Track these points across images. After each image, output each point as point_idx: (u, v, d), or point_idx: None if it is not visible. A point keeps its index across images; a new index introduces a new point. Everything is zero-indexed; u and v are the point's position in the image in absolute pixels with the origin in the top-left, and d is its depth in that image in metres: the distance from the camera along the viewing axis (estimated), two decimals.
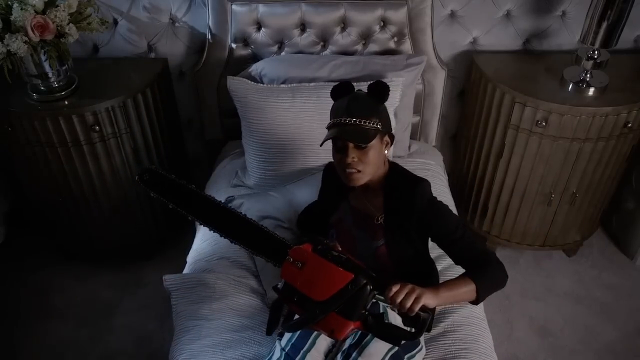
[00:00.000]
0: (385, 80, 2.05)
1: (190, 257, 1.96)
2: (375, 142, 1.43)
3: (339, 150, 1.45)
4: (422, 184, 1.50)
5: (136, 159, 2.29)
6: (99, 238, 2.46)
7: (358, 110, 1.43)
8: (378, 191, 1.53)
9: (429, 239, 1.55)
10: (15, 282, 2.55)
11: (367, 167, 1.45)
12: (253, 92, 2.07)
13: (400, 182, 1.51)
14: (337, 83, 1.53)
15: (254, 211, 1.94)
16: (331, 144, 1.49)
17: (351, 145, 1.42)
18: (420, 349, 1.54)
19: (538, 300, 2.45)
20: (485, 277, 1.43)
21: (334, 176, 1.56)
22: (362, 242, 1.55)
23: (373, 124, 1.43)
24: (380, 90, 1.47)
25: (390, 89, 1.48)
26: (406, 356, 1.49)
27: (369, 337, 1.45)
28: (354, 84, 2.01)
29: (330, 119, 1.48)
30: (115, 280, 2.53)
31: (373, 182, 1.52)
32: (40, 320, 2.37)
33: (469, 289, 1.39)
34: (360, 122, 1.42)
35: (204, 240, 1.98)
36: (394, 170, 1.55)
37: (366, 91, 1.49)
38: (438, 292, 1.35)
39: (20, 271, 2.59)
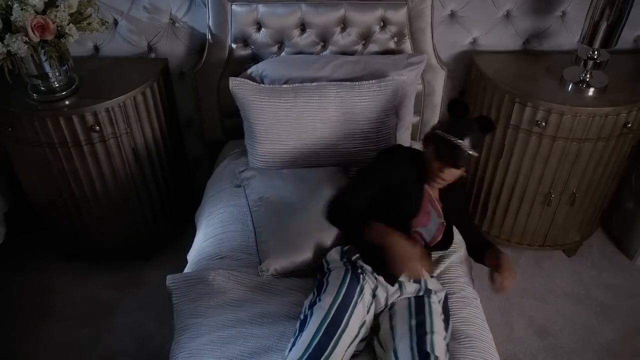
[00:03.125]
0: (386, 79, 2.07)
1: (192, 256, 1.96)
2: None
3: (447, 167, 1.64)
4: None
5: (136, 159, 2.29)
6: (99, 238, 2.46)
7: (475, 144, 1.63)
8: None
9: None
10: (15, 282, 2.55)
11: (451, 181, 1.70)
12: (255, 92, 2.07)
13: None
14: (454, 99, 1.69)
15: (257, 189, 2.01)
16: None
17: (456, 169, 1.64)
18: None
19: (538, 300, 2.45)
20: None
21: (413, 164, 1.74)
22: (433, 217, 1.75)
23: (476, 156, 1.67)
24: (490, 125, 1.69)
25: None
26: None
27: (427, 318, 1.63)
28: (355, 83, 2.04)
29: (451, 133, 1.61)
30: (115, 280, 2.53)
31: None
32: (40, 320, 2.37)
33: None
34: (474, 152, 1.62)
35: (206, 239, 1.98)
36: None
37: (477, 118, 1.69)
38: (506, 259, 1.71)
39: (20, 271, 2.59)
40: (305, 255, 1.80)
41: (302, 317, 1.60)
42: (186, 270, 1.91)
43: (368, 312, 1.61)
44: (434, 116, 2.43)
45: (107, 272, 2.56)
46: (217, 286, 1.73)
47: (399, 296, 1.67)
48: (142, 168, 2.33)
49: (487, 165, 2.38)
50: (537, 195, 2.34)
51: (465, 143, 1.59)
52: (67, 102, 2.10)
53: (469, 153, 1.61)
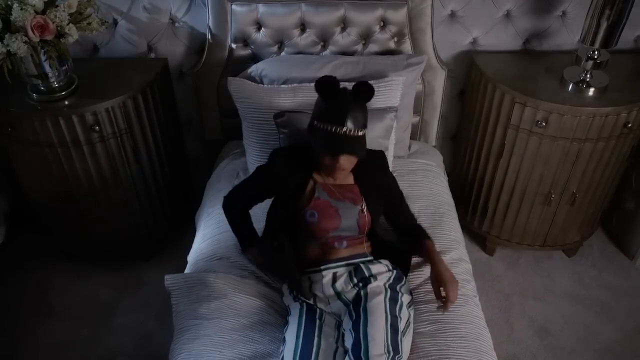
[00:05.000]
0: (386, 79, 2.07)
1: (191, 257, 1.96)
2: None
3: (337, 156, 1.57)
4: (382, 152, 1.81)
5: (136, 159, 2.29)
6: (99, 238, 2.46)
7: (356, 121, 1.54)
8: (346, 174, 1.69)
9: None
10: (15, 282, 2.55)
11: (352, 165, 1.64)
12: (254, 92, 2.07)
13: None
14: (322, 78, 1.59)
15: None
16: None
17: (345, 158, 1.57)
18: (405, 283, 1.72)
19: (538, 300, 2.45)
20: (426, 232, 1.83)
21: (293, 161, 1.70)
22: (345, 210, 1.66)
23: (364, 132, 1.59)
24: (367, 92, 1.57)
25: (374, 90, 1.58)
26: (398, 286, 1.64)
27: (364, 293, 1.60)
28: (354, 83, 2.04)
29: (324, 121, 1.55)
30: (115, 280, 2.53)
31: (343, 174, 1.68)
32: (40, 320, 2.37)
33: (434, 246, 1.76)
34: (357, 132, 1.55)
35: (204, 239, 1.98)
36: None
37: (351, 89, 1.58)
38: (445, 265, 1.67)
39: (20, 271, 2.59)
40: None
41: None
42: (186, 271, 1.91)
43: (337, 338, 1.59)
44: (434, 116, 2.43)
45: (107, 272, 2.56)
46: (218, 289, 1.73)
47: (345, 309, 1.64)
48: (142, 168, 2.33)
49: (487, 165, 2.38)
50: (537, 195, 2.33)
51: (347, 127, 1.52)
52: (67, 102, 2.10)
53: (354, 136, 1.54)
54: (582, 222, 2.47)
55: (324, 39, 2.26)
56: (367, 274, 1.64)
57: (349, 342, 1.51)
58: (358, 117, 1.55)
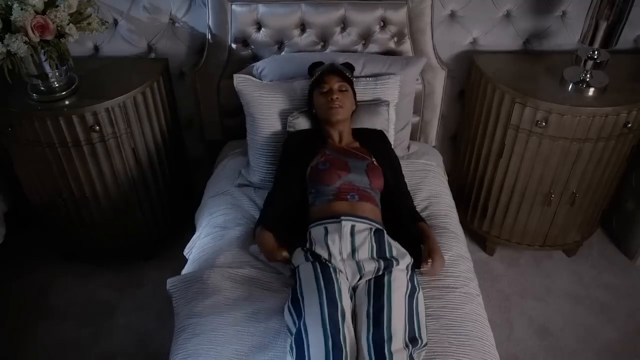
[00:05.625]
0: (384, 76, 2.10)
1: (192, 255, 1.95)
2: (350, 89, 1.95)
3: (325, 93, 1.91)
4: (381, 130, 2.06)
5: (136, 159, 2.29)
6: (99, 238, 2.46)
7: (340, 67, 1.99)
8: (350, 137, 1.98)
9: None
10: (15, 282, 2.55)
11: (346, 105, 1.91)
12: (259, 89, 2.08)
13: (366, 130, 2.03)
14: (312, 63, 2.04)
15: None
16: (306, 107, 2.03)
17: (335, 88, 1.90)
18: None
19: (538, 300, 2.45)
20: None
21: (304, 137, 1.99)
22: (354, 163, 1.85)
23: (351, 76, 2.00)
24: (349, 66, 2.06)
25: (354, 67, 2.08)
26: (415, 279, 1.68)
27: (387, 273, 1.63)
28: (353, 79, 2.07)
29: (316, 73, 1.97)
30: (115, 280, 2.53)
31: (345, 131, 1.96)
32: (40, 320, 2.37)
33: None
34: (342, 71, 1.96)
35: (206, 235, 1.97)
36: (356, 129, 2.04)
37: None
38: (438, 244, 1.82)
39: (20, 271, 2.59)
40: None
41: (293, 331, 1.53)
42: (186, 268, 1.90)
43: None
44: (434, 116, 2.43)
45: (107, 272, 2.56)
46: (212, 285, 1.72)
47: (359, 279, 1.64)
48: (142, 168, 2.33)
49: (487, 165, 2.38)
50: (537, 195, 2.34)
51: (333, 66, 1.96)
52: (67, 102, 2.10)
53: (342, 69, 1.95)
54: (582, 222, 2.47)
55: (324, 39, 2.26)
56: (388, 252, 1.66)
57: (367, 332, 1.50)
58: (343, 68, 1.99)
